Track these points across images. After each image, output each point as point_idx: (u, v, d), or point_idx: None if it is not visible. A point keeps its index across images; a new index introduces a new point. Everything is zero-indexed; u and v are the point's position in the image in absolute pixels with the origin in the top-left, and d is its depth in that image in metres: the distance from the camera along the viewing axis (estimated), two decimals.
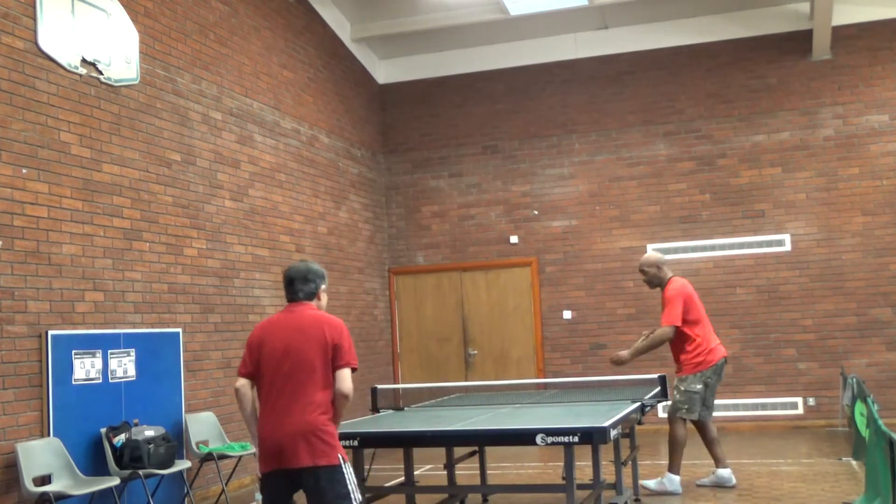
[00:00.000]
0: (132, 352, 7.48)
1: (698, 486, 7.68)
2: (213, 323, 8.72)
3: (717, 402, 11.45)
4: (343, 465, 4.19)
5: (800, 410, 11.36)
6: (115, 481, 6.70)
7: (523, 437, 5.17)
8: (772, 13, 11.79)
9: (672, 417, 7.57)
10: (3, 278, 6.39)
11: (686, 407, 7.47)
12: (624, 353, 7.54)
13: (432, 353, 12.82)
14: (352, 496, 4.17)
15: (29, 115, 6.73)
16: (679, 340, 7.56)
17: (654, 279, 7.74)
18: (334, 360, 4.25)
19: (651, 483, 7.56)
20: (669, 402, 7.51)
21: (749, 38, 11.89)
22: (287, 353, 4.26)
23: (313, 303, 4.47)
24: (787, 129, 11.70)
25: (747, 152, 11.81)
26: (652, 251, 7.86)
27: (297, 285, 4.44)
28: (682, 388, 7.52)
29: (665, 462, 8.03)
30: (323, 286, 4.51)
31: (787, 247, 11.59)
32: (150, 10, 8.21)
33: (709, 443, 7.68)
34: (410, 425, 5.99)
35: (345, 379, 4.23)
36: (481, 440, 6.15)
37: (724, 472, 7.64)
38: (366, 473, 5.79)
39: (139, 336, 7.61)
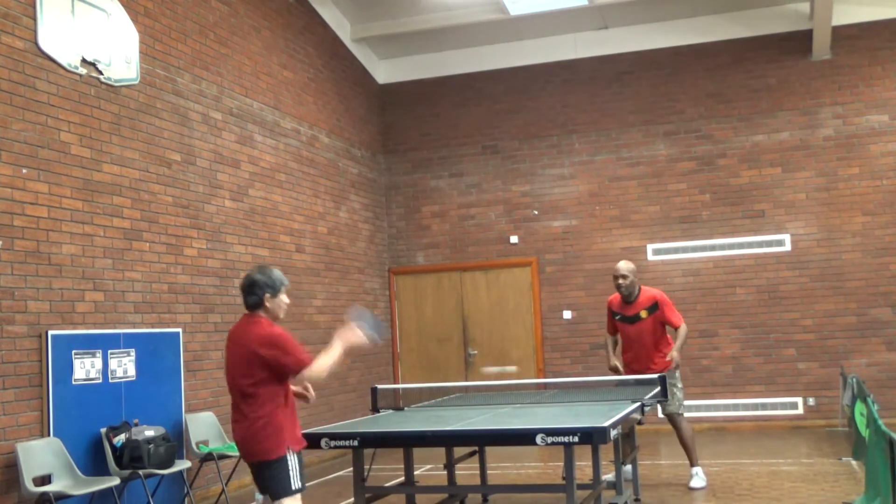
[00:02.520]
0: (132, 352, 7.48)
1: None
2: (213, 323, 8.72)
3: (717, 402, 11.62)
4: (288, 455, 4.58)
5: (800, 410, 11.36)
6: (115, 481, 6.70)
7: (523, 437, 5.16)
8: (772, 13, 11.79)
9: (677, 414, 7.70)
10: (3, 278, 6.39)
11: (683, 402, 7.78)
12: (676, 354, 7.62)
13: (432, 353, 12.81)
14: (292, 482, 4.59)
15: (29, 115, 6.73)
16: (661, 336, 7.81)
17: (633, 286, 7.82)
18: (281, 371, 4.54)
19: (695, 483, 7.66)
20: (670, 400, 7.48)
21: (749, 38, 11.89)
22: (229, 369, 4.68)
23: (260, 312, 4.67)
24: (787, 129, 11.70)
25: (747, 152, 11.81)
26: (625, 261, 8.04)
27: (244, 297, 4.70)
28: (680, 385, 7.73)
29: (663, 462, 8.07)
30: (268, 294, 4.64)
31: (787, 247, 11.59)
32: (150, 10, 8.21)
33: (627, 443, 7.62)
34: (410, 425, 5.99)
35: (307, 378, 4.62)
36: (481, 440, 6.14)
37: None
38: (366, 473, 5.79)
39: (139, 336, 7.61)
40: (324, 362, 4.57)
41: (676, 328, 7.75)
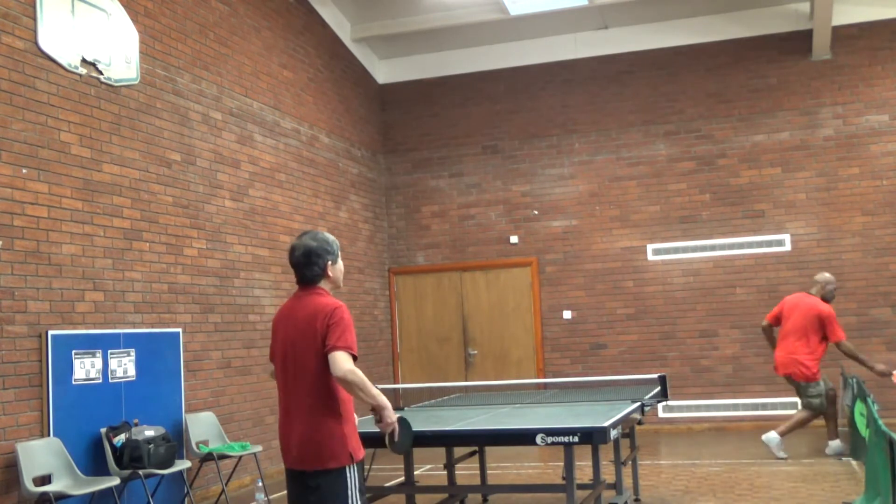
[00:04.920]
0: (132, 352, 7.48)
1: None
2: (213, 323, 8.73)
3: (717, 401, 11.62)
4: (347, 468, 3.88)
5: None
6: (115, 481, 6.70)
7: (523, 437, 5.16)
8: (772, 13, 11.79)
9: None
10: (3, 278, 6.39)
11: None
12: (881, 365, 9.19)
13: (432, 353, 12.81)
14: (350, 501, 3.89)
15: (29, 115, 6.73)
16: None
17: None
18: (324, 346, 3.85)
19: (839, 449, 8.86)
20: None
21: (749, 38, 11.88)
22: (289, 354, 3.98)
23: (322, 283, 4.07)
24: (787, 129, 11.70)
25: (747, 152, 11.81)
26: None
27: (302, 271, 4.05)
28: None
29: (664, 462, 8.09)
30: (330, 261, 4.04)
31: (787, 247, 11.58)
32: (150, 10, 8.21)
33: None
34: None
35: (335, 362, 3.77)
36: (481, 440, 6.14)
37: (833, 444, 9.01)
38: (366, 473, 5.79)
39: (139, 336, 7.61)
40: (366, 381, 3.85)
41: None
